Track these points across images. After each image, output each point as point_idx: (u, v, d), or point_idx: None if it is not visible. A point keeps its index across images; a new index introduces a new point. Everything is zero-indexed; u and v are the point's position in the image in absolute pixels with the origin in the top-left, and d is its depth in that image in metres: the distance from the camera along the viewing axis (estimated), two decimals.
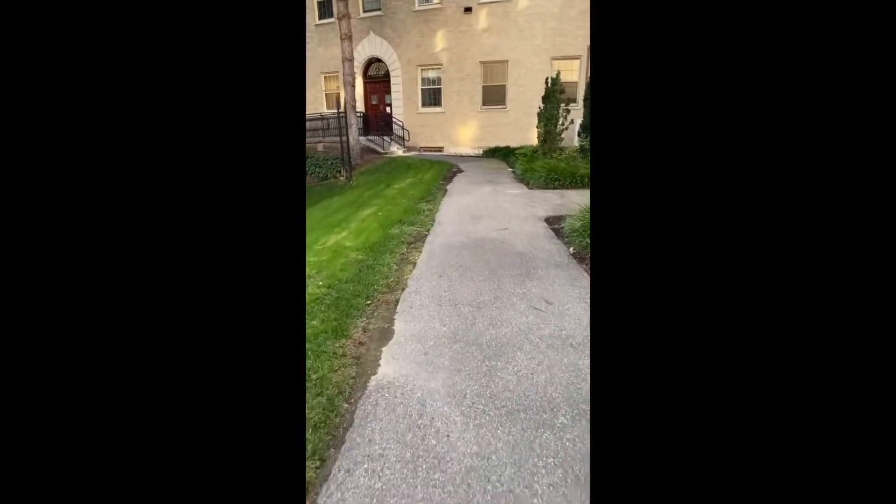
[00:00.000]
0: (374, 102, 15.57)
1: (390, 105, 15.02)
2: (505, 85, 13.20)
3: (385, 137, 14.09)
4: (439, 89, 14.11)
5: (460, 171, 10.11)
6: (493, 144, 13.59)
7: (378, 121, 15.04)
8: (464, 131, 14.10)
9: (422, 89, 14.40)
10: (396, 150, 14.21)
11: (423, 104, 14.55)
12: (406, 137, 14.81)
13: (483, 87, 13.52)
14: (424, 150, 14.77)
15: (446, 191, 7.46)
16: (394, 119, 14.86)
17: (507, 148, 13.02)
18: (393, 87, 14.72)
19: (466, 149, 14.18)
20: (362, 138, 14.07)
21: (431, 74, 14.17)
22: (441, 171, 9.82)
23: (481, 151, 13.87)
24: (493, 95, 13.50)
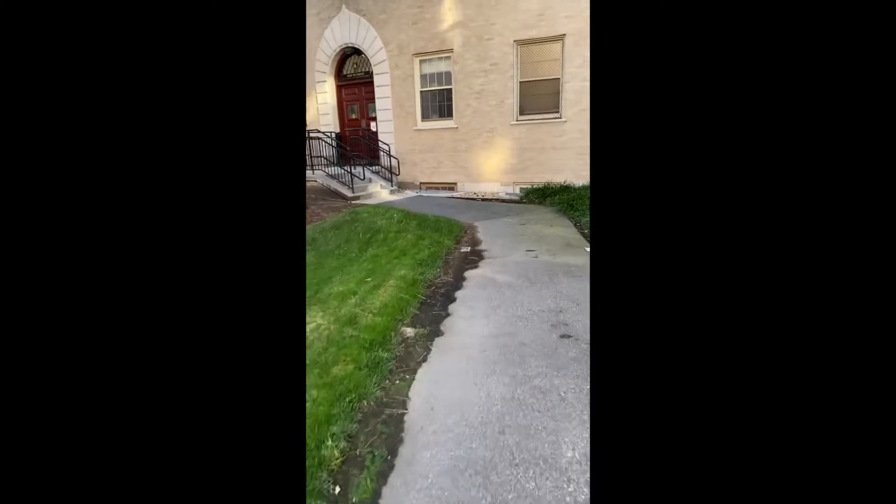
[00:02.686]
0: (352, 116, 10.31)
1: (375, 119, 9.71)
2: (559, 79, 7.66)
3: (360, 169, 8.72)
4: (449, 91, 8.71)
5: (477, 254, 4.46)
6: (539, 180, 7.98)
7: (359, 143, 9.72)
8: (489, 158, 8.57)
9: (421, 92, 9.04)
10: (378, 191, 8.80)
11: (425, 116, 9.15)
12: (394, 169, 9.40)
13: (521, 83, 8.01)
14: (428, 188, 9.30)
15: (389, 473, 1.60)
16: (380, 140, 9.54)
17: (566, 187, 7.35)
18: (378, 91, 9.42)
19: (494, 186, 8.61)
20: (321, 173, 8.75)
21: (437, 68, 8.80)
22: (431, 257, 4.21)
23: (518, 191, 8.27)
24: (539, 97, 7.96)
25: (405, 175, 9.51)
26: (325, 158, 8.74)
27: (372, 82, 9.43)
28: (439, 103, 8.93)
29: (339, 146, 9.25)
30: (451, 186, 9.11)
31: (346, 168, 8.16)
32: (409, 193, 8.93)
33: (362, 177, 8.55)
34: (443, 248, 4.53)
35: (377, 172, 9.28)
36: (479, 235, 5.21)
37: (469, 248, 4.62)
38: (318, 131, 8.88)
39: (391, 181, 9.29)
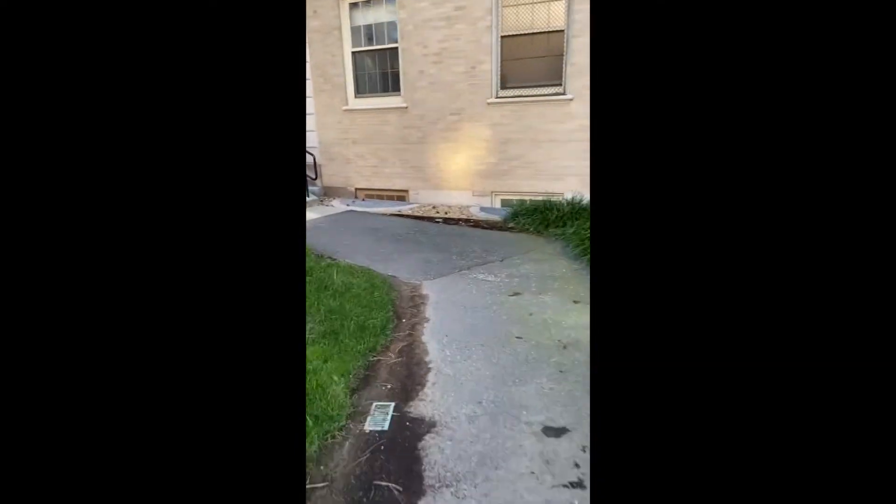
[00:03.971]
0: None
1: None
2: (563, 32, 4.84)
3: None
4: (395, 52, 5.75)
5: (407, 452, 1.54)
6: (531, 189, 5.21)
7: None
8: (455, 154, 5.69)
9: (354, 54, 6.04)
10: None
11: (360, 90, 6.17)
12: (314, 171, 6.39)
13: (503, 39, 5.13)
14: (367, 197, 6.38)
15: None
16: None
17: (579, 206, 4.57)
18: None
19: (463, 197, 5.76)
20: None
21: (376, 16, 5.81)
22: None
23: (500, 205, 5.46)
24: (531, 63, 5.12)
25: (334, 177, 6.52)
26: None
27: None
28: (381, 71, 5.95)
29: None
30: (400, 195, 6.19)
31: None
32: (337, 207, 5.96)
33: None
34: (308, 429, 1.62)
35: None
36: (425, 338, 2.33)
37: (388, 414, 1.72)
38: None
39: (311, 186, 6.27)
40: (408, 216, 5.37)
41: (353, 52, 5.97)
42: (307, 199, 5.95)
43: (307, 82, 6.26)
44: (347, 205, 5.99)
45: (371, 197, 6.37)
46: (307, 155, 6.15)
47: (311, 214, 5.44)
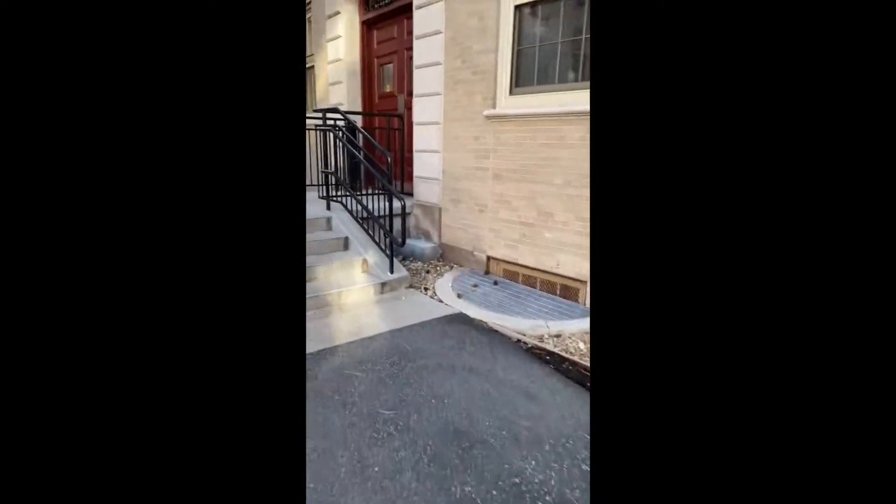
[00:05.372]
0: (386, 88, 4.94)
1: (412, 95, 4.14)
2: None
3: (337, 213, 3.34)
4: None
5: None
6: None
7: (372, 148, 4.26)
8: None
9: (520, 8, 3.16)
10: (343, 284, 3.26)
11: (522, 79, 3.26)
12: (427, 221, 3.76)
13: None
14: (504, 277, 3.43)
15: None
16: (415, 148, 4.01)
17: None
18: (417, 27, 3.86)
19: None
20: None
21: None
22: None
23: None
24: None
25: (457, 232, 3.78)
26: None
27: (411, 16, 3.91)
28: (564, 41, 2.96)
29: (352, 165, 3.93)
30: (567, 287, 3.07)
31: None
32: (441, 294, 3.18)
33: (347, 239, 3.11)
34: None
35: (382, 222, 3.71)
36: None
37: None
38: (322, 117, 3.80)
39: (401, 246, 3.68)
40: (565, 361, 2.24)
41: (517, 6, 3.12)
42: (386, 274, 3.33)
43: (437, 67, 3.69)
44: (460, 294, 3.15)
45: (512, 277, 3.41)
46: (399, 200, 3.55)
47: (371, 318, 2.77)
